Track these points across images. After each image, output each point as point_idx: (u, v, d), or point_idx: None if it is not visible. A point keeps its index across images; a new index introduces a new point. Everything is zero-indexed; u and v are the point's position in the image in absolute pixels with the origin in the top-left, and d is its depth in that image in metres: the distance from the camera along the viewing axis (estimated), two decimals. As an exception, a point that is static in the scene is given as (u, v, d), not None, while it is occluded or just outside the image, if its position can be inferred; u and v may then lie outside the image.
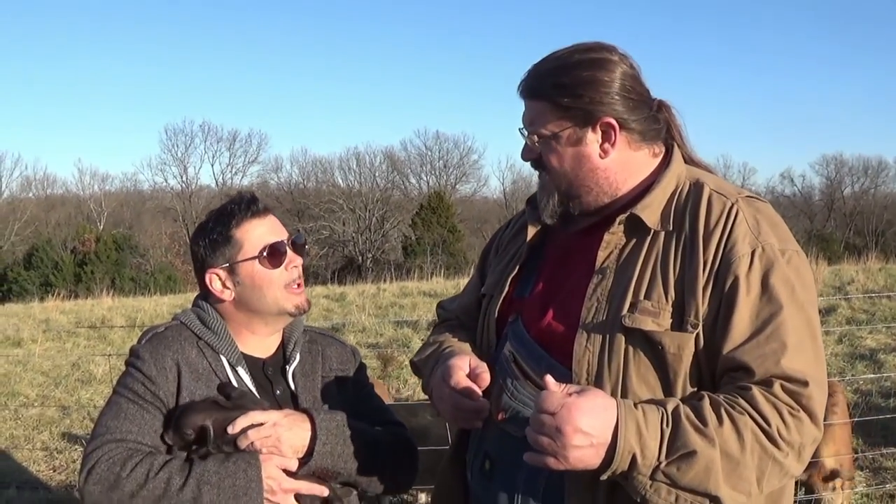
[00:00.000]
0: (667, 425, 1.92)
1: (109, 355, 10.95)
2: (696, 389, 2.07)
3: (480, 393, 2.26)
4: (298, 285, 2.64)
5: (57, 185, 69.70)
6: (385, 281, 24.12)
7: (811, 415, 1.98)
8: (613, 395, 2.06)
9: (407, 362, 12.18)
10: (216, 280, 2.62)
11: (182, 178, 65.23)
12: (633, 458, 1.89)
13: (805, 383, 1.97)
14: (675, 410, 1.94)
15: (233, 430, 2.41)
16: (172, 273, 45.73)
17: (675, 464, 1.89)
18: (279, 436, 2.42)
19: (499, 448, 2.31)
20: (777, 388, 1.96)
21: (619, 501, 2.06)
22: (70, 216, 61.70)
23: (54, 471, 8.54)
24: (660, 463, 1.90)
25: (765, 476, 1.95)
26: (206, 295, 2.68)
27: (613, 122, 2.20)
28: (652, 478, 1.91)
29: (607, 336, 2.12)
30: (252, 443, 2.41)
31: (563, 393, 1.93)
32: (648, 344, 2.08)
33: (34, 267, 46.45)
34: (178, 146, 65.52)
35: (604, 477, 1.94)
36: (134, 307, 19.74)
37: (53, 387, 12.39)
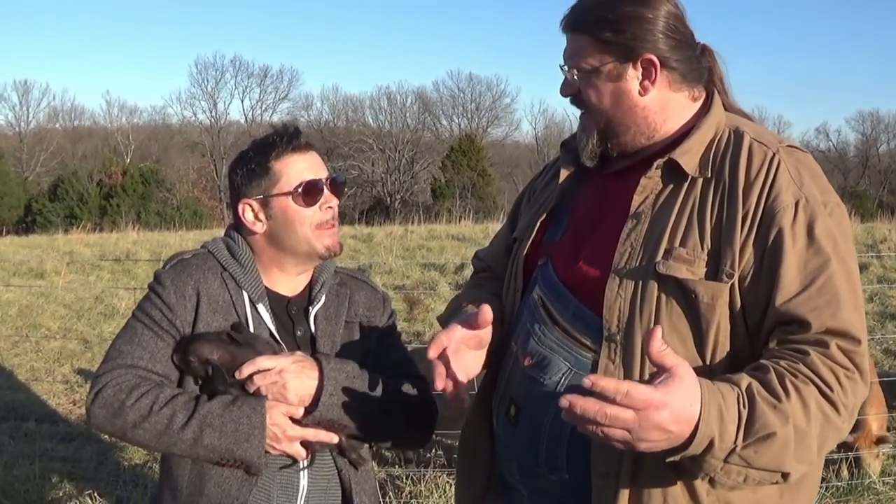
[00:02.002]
0: (744, 406, 1.82)
1: (133, 289, 10.90)
2: (728, 340, 2.03)
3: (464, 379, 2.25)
4: (331, 226, 2.57)
5: (84, 117, 70.17)
6: (413, 223, 24.14)
7: (862, 373, 1.94)
8: (644, 343, 1.97)
9: (433, 305, 12.23)
10: (249, 211, 2.56)
11: (211, 113, 65.23)
12: (711, 443, 1.79)
13: (859, 341, 1.93)
14: (749, 388, 1.85)
15: (239, 375, 2.39)
16: (199, 208, 46.03)
17: (752, 446, 1.81)
18: (285, 383, 2.38)
19: (524, 393, 2.25)
20: (834, 348, 1.91)
21: None
22: (97, 148, 62.09)
23: (74, 404, 8.52)
24: (736, 446, 1.80)
25: (825, 443, 1.91)
26: (238, 226, 2.63)
27: (655, 59, 2.17)
28: (726, 460, 1.82)
29: (640, 283, 2.08)
30: (258, 388, 2.39)
31: (646, 385, 1.77)
32: (682, 292, 2.04)
33: (59, 199, 46.86)
34: (208, 80, 65.45)
35: (670, 460, 1.84)
36: (159, 242, 19.74)
37: (76, 319, 12.40)
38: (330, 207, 2.55)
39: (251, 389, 2.39)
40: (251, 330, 2.50)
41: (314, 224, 2.52)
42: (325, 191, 2.53)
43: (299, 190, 2.50)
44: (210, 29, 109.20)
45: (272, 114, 66.69)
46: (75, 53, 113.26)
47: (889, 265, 14.25)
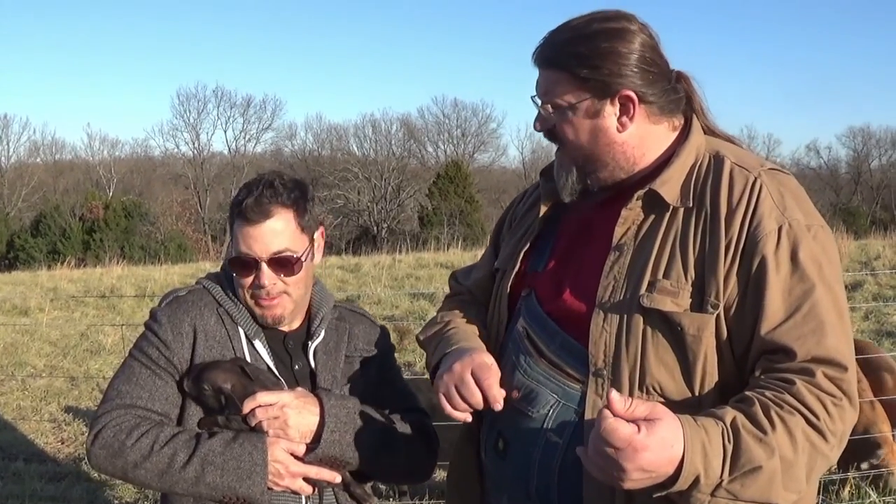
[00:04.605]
0: (728, 441, 1.84)
1: (120, 325, 10.79)
2: (716, 371, 2.03)
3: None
4: (268, 300, 2.51)
5: (65, 151, 70.10)
6: (401, 252, 24.15)
7: (851, 399, 1.96)
8: (631, 378, 2.05)
9: (423, 335, 12.15)
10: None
11: (194, 144, 65.18)
12: (696, 479, 1.81)
13: (845, 368, 1.94)
14: (734, 422, 1.86)
15: (242, 411, 2.40)
16: (183, 241, 45.85)
17: (738, 480, 1.83)
18: (286, 418, 2.39)
19: (513, 426, 2.26)
20: (820, 377, 1.92)
21: None
22: (79, 182, 61.98)
23: (62, 443, 8.41)
24: (722, 481, 1.83)
25: (813, 471, 1.93)
26: None
27: (633, 94, 2.16)
28: (713, 494, 1.84)
29: (625, 316, 2.09)
30: (259, 422, 2.39)
31: (630, 424, 1.76)
32: (667, 325, 2.04)
33: (42, 234, 46.66)
34: (190, 112, 65.42)
35: (657, 496, 1.85)
36: (144, 276, 19.66)
37: (61, 357, 12.27)
38: (263, 286, 2.47)
39: (252, 423, 2.38)
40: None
41: (249, 293, 2.51)
42: (264, 268, 2.46)
43: (232, 260, 2.51)
44: (191, 59, 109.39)
45: (256, 144, 66.87)
46: (55, 87, 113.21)
47: (884, 282, 14.31)
